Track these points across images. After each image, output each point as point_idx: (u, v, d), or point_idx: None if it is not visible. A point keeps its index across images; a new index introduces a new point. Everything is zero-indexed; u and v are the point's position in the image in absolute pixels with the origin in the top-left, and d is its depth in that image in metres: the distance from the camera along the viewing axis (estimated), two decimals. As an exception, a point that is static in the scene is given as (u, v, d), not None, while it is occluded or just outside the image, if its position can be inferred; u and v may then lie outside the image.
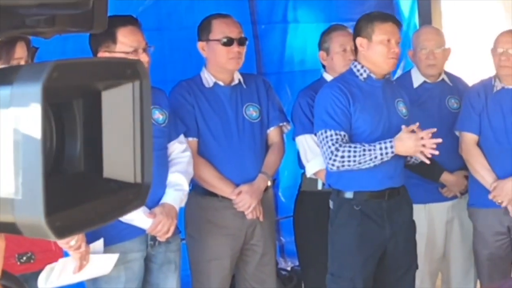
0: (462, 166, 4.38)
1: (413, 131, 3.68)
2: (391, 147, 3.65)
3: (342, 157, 3.66)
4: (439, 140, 3.65)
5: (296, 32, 5.50)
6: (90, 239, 3.25)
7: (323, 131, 3.73)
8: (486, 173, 4.23)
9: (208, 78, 3.99)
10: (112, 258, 3.34)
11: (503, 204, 4.19)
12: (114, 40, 3.36)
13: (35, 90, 0.91)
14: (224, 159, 3.96)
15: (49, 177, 0.92)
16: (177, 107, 3.85)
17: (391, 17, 3.98)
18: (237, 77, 4.04)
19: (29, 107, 0.91)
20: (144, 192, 1.06)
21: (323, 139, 3.72)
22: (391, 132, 3.73)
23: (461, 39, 5.71)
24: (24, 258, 3.09)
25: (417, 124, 3.70)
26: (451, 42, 4.73)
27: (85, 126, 1.03)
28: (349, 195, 3.80)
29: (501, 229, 4.31)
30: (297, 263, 4.88)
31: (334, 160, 3.67)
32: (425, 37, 4.53)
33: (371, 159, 3.66)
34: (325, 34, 4.45)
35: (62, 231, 0.94)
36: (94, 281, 3.42)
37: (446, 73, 4.60)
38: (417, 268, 3.99)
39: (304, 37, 5.46)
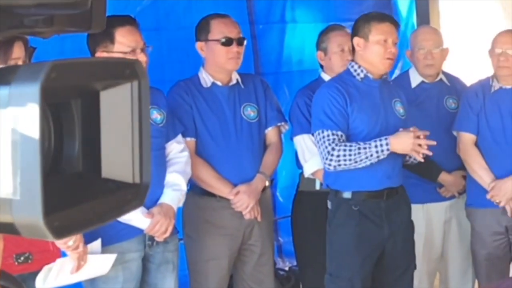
0: (460, 166, 4.38)
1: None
2: (386, 144, 3.65)
3: (338, 156, 3.66)
4: (434, 143, 3.66)
5: (294, 32, 5.50)
6: (88, 240, 3.25)
7: (320, 131, 3.73)
8: (484, 173, 4.23)
9: (206, 78, 3.99)
10: (110, 259, 3.33)
11: (501, 204, 4.19)
12: (112, 40, 3.35)
13: (33, 90, 0.90)
14: (222, 159, 3.96)
15: (47, 177, 0.92)
16: (175, 107, 3.85)
17: (389, 17, 3.99)
18: (235, 77, 4.04)
19: (27, 107, 0.91)
20: (142, 192, 1.06)
21: (320, 139, 3.73)
22: (389, 132, 3.73)
23: (459, 39, 5.71)
24: (22, 258, 3.09)
25: (414, 127, 3.71)
26: (449, 42, 4.73)
27: (83, 126, 1.03)
28: (347, 195, 3.80)
29: (499, 229, 4.32)
30: (295, 263, 4.87)
31: (331, 160, 3.68)
32: (423, 37, 4.53)
33: (367, 157, 3.66)
34: (323, 34, 4.45)
35: (61, 232, 0.94)
36: (92, 281, 3.41)
37: (444, 73, 4.60)
38: (415, 268, 3.99)
39: (302, 37, 5.45)
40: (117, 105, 1.05)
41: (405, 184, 3.93)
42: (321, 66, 4.46)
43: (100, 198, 1.03)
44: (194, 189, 3.95)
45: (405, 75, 4.66)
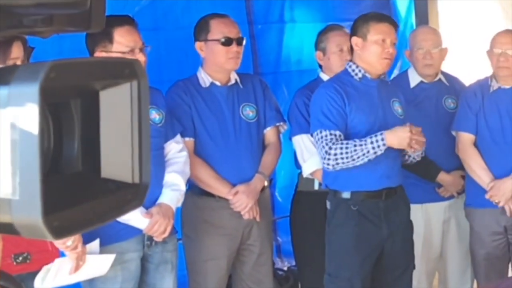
0: (459, 166, 4.38)
1: None
2: (382, 139, 3.65)
3: (335, 155, 3.66)
4: (423, 139, 3.67)
5: (293, 32, 5.50)
6: (86, 240, 3.24)
7: (318, 131, 3.74)
8: (483, 173, 4.23)
9: (204, 78, 3.98)
10: (108, 259, 3.33)
11: (500, 204, 4.20)
12: (110, 40, 3.35)
13: (32, 90, 0.90)
14: (220, 159, 3.96)
15: (46, 177, 0.92)
16: (173, 107, 3.85)
17: (388, 17, 3.99)
18: (234, 77, 4.04)
19: (26, 107, 0.91)
20: (142, 192, 1.06)
21: (318, 139, 3.73)
22: (387, 132, 3.73)
23: (458, 39, 5.71)
24: (20, 258, 3.09)
25: (409, 123, 3.73)
26: (448, 42, 4.73)
27: (82, 126, 1.03)
28: (346, 195, 3.80)
29: (498, 229, 4.31)
30: (293, 263, 4.87)
31: (329, 159, 3.68)
32: (422, 37, 4.53)
33: (363, 154, 3.66)
34: (322, 34, 4.45)
35: (60, 232, 0.94)
36: (91, 281, 3.41)
37: (443, 73, 4.60)
38: (414, 268, 3.99)
39: (301, 37, 5.45)
40: (116, 105, 1.04)
41: (404, 184, 3.93)
42: (320, 66, 4.45)
43: (99, 198, 1.03)
44: (193, 189, 3.95)
45: (404, 75, 4.66)
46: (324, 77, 4.32)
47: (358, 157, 3.66)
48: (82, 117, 1.03)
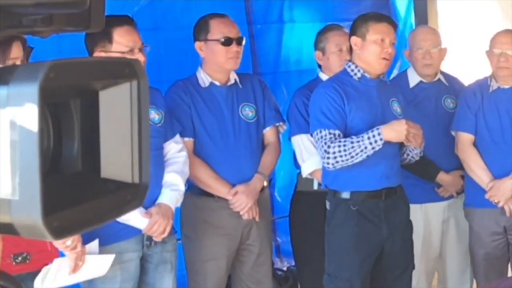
0: (458, 166, 4.38)
1: None
2: (379, 134, 3.65)
3: (334, 153, 3.66)
4: (420, 131, 3.70)
5: (292, 32, 5.49)
6: (86, 240, 3.24)
7: (318, 131, 3.74)
8: (483, 173, 4.23)
9: (204, 78, 3.98)
10: (108, 259, 3.33)
11: (500, 204, 4.19)
12: (110, 39, 3.35)
13: (32, 90, 0.90)
14: (220, 159, 3.95)
15: (46, 177, 0.91)
16: (173, 107, 3.84)
17: (387, 17, 3.99)
18: (233, 77, 4.04)
19: (25, 107, 0.90)
20: (142, 192, 1.06)
21: (318, 139, 3.73)
22: (387, 132, 3.74)
23: (457, 39, 5.71)
24: (20, 258, 3.08)
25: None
26: (447, 42, 4.73)
27: (82, 126, 1.03)
28: (345, 195, 3.80)
29: (497, 229, 4.31)
30: (293, 263, 4.87)
31: (328, 158, 3.68)
32: (421, 37, 4.52)
33: (361, 150, 3.65)
34: (321, 34, 4.45)
35: (60, 232, 0.94)
36: (90, 281, 3.41)
37: (442, 73, 4.60)
38: (414, 268, 3.99)
39: (300, 37, 5.45)
40: (116, 105, 1.04)
41: (403, 184, 3.93)
42: (319, 66, 4.45)
43: (99, 198, 1.02)
44: (192, 189, 3.95)
45: (403, 75, 4.65)
46: (323, 77, 4.32)
47: (357, 154, 3.65)
48: (81, 117, 1.03)
